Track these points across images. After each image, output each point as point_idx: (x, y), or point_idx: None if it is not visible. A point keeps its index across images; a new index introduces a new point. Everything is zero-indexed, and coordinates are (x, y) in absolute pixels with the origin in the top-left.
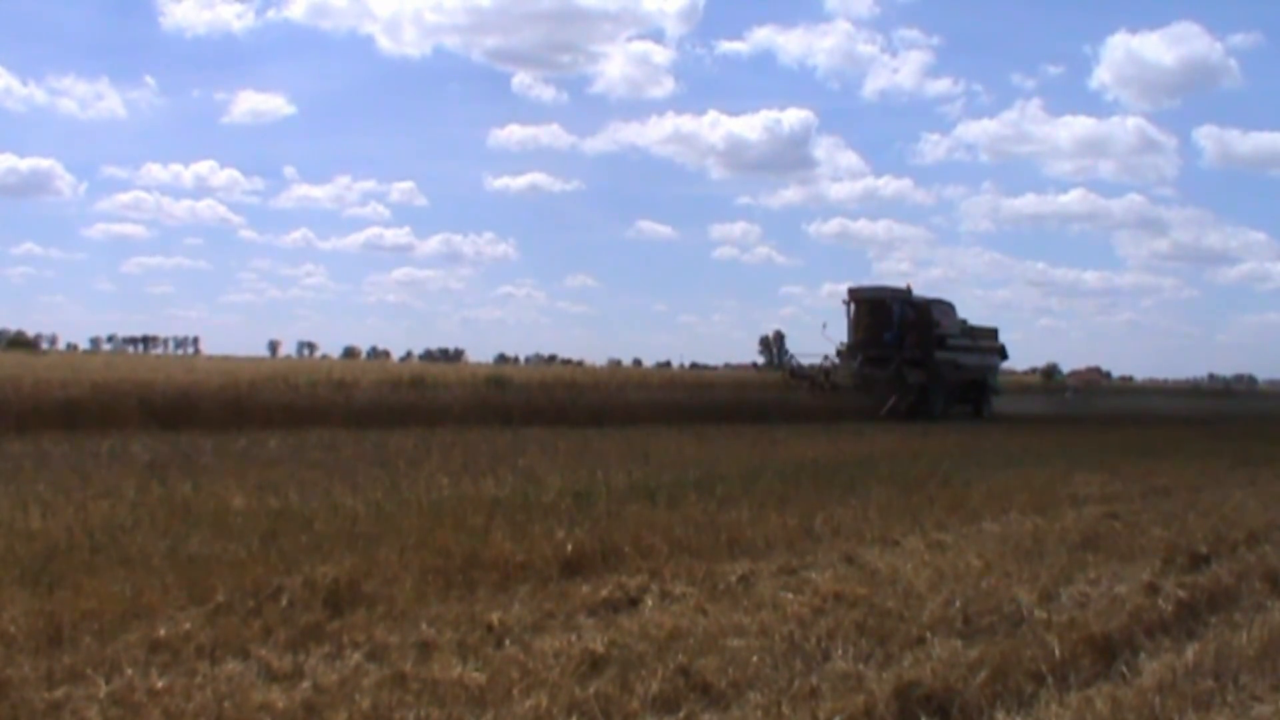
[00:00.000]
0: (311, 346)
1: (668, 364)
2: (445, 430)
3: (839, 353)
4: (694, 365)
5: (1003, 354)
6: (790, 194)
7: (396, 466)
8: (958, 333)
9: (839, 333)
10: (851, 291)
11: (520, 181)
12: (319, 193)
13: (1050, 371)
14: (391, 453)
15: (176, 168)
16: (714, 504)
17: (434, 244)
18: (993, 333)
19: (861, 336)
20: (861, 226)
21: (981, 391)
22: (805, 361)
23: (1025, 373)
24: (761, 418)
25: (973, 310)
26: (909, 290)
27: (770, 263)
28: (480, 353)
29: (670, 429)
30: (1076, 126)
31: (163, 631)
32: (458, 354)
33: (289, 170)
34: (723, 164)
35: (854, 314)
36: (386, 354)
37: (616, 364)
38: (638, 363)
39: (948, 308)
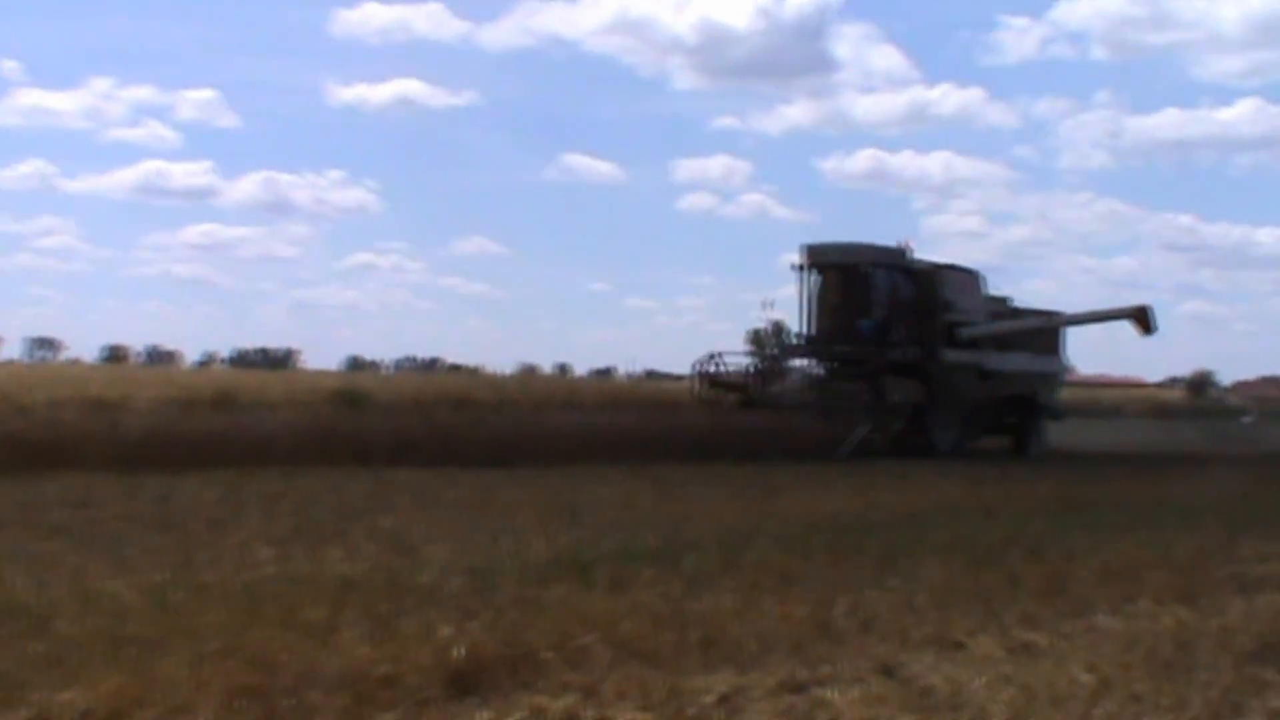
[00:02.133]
0: (52, 345)
1: (610, 372)
2: (268, 474)
3: (791, 348)
4: (650, 374)
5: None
6: (797, 113)
7: (190, 531)
8: (984, 319)
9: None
10: (810, 253)
11: (382, 92)
12: (62, 103)
13: (1201, 383)
14: (182, 510)
15: None
16: (680, 585)
17: (248, 187)
18: (1049, 321)
19: (825, 325)
20: (905, 162)
21: (1028, 415)
22: (769, 362)
23: (1162, 384)
24: (756, 453)
25: (1081, 291)
26: (905, 251)
27: (766, 217)
28: (323, 355)
29: (614, 471)
30: None
31: None
32: (287, 357)
33: (10, 66)
34: (693, 67)
35: (816, 289)
36: (174, 357)
37: (531, 372)
38: (563, 370)
39: (968, 279)
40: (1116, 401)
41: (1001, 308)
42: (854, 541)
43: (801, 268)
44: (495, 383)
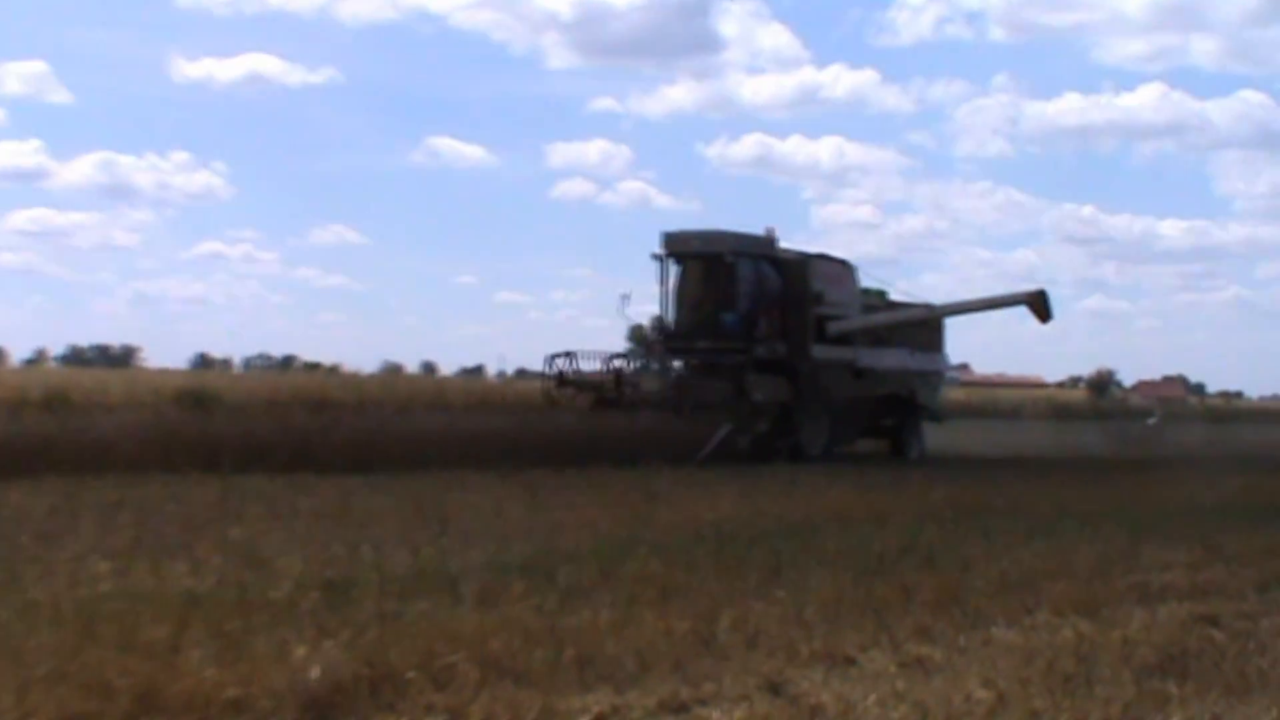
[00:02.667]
0: None
1: (479, 371)
2: (105, 482)
3: (650, 344)
4: (522, 373)
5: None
6: (679, 94)
7: (18, 545)
8: (858, 313)
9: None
10: (669, 241)
11: (232, 67)
12: None
13: (1103, 383)
14: (9, 522)
15: None
16: (554, 599)
17: (83, 169)
18: (931, 312)
19: (686, 319)
20: (794, 148)
21: (906, 416)
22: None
23: (1062, 384)
24: (638, 458)
25: (978, 285)
26: (771, 240)
27: (646, 206)
28: (167, 353)
29: (483, 477)
30: None
31: None
32: (127, 354)
33: None
34: (570, 45)
35: (676, 280)
36: None
37: (395, 371)
38: (430, 369)
39: (840, 270)
40: (1015, 402)
41: (878, 301)
42: (739, 551)
43: (661, 258)
44: (355, 382)
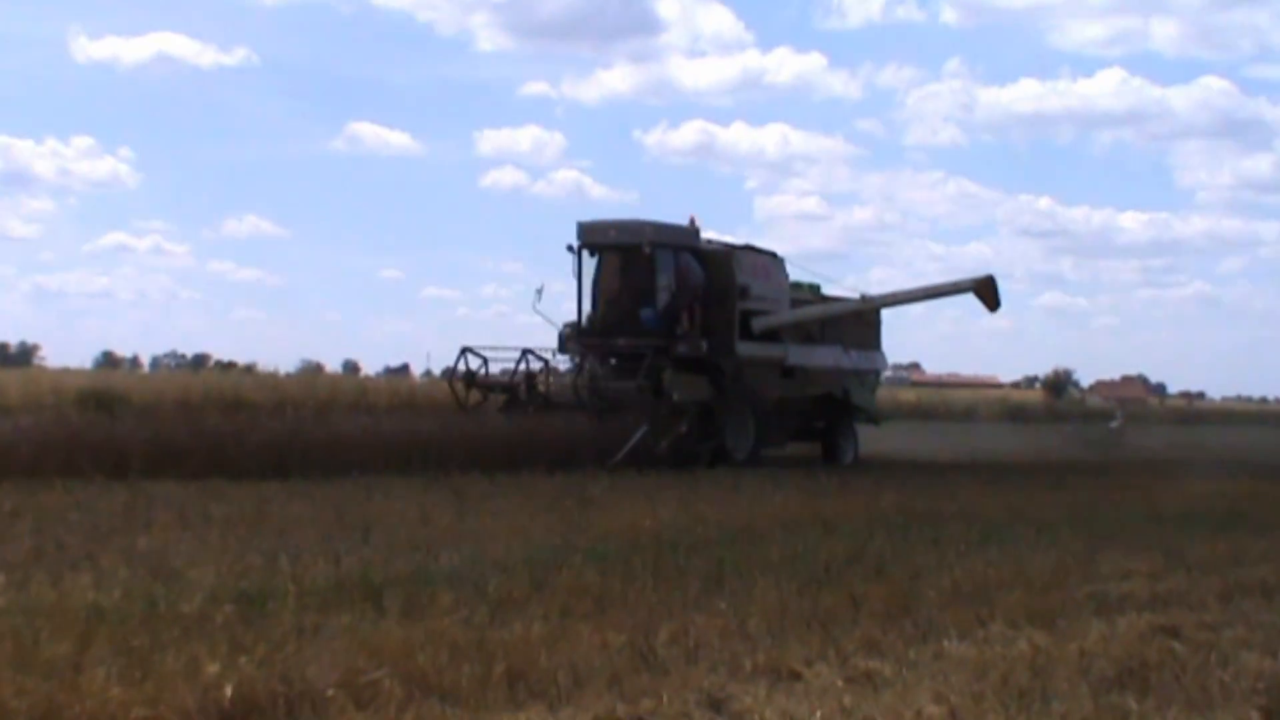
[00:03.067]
0: None
1: (404, 370)
2: (2, 490)
3: (566, 340)
4: (450, 373)
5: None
6: (616, 79)
7: None
8: (787, 307)
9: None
10: (585, 232)
11: (139, 47)
12: None
13: (1060, 383)
14: None
15: None
16: (484, 611)
17: None
18: (866, 304)
19: (603, 314)
20: (737, 135)
21: (839, 417)
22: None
23: (1017, 384)
24: (568, 461)
25: (929, 279)
26: (694, 230)
27: (581, 196)
28: (68, 351)
29: (408, 483)
30: None
31: None
32: (26, 353)
33: None
34: (500, 25)
35: (594, 273)
36: None
37: (315, 370)
38: (352, 369)
39: (768, 262)
40: (968, 403)
41: (810, 296)
42: (679, 560)
43: (576, 250)
44: (272, 382)
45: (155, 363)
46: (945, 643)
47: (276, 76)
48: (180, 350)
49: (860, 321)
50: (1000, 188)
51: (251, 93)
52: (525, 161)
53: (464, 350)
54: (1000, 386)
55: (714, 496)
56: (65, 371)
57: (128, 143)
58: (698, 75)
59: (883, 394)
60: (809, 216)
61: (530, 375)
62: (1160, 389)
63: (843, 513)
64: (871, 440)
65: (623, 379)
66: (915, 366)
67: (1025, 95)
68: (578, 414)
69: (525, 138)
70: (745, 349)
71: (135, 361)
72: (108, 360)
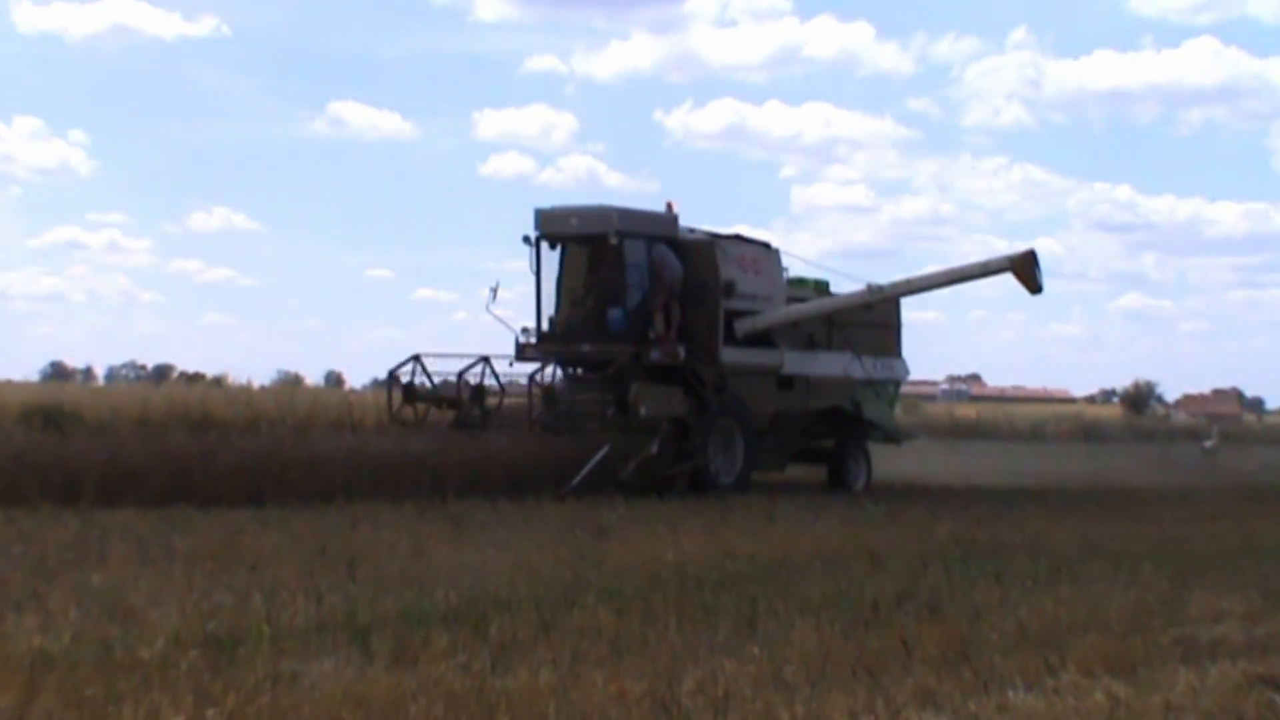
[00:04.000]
0: None
1: (394, 382)
2: None
3: (524, 347)
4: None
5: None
6: (634, 52)
7: None
8: (782, 306)
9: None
10: (545, 220)
11: (92, 16)
12: None
13: (1141, 397)
14: None
15: None
16: (485, 656)
17: None
18: (885, 308)
19: (566, 315)
20: (771, 116)
21: (847, 435)
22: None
23: (1092, 399)
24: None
25: (990, 281)
26: (670, 218)
27: (595, 186)
28: (12, 362)
29: (399, 510)
30: None
31: None
32: None
33: None
34: None
35: (559, 268)
36: None
37: (293, 383)
38: (335, 380)
39: (760, 255)
40: (1035, 420)
41: (814, 295)
42: (705, 598)
43: (533, 241)
44: (245, 397)
45: (111, 374)
46: (1010, 693)
47: (249, 50)
48: (140, 360)
49: (875, 323)
50: (1073, 175)
51: (221, 68)
52: (531, 146)
53: (414, 359)
54: (1073, 401)
55: (745, 526)
56: (8, 385)
57: (80, 125)
58: (728, 48)
59: (937, 409)
60: (853, 208)
61: (478, 388)
62: (1257, 404)
63: (892, 544)
64: (922, 463)
65: (581, 392)
66: (975, 378)
67: (1101, 69)
68: (532, 433)
69: (531, 119)
70: (731, 355)
71: (88, 373)
72: (57, 372)
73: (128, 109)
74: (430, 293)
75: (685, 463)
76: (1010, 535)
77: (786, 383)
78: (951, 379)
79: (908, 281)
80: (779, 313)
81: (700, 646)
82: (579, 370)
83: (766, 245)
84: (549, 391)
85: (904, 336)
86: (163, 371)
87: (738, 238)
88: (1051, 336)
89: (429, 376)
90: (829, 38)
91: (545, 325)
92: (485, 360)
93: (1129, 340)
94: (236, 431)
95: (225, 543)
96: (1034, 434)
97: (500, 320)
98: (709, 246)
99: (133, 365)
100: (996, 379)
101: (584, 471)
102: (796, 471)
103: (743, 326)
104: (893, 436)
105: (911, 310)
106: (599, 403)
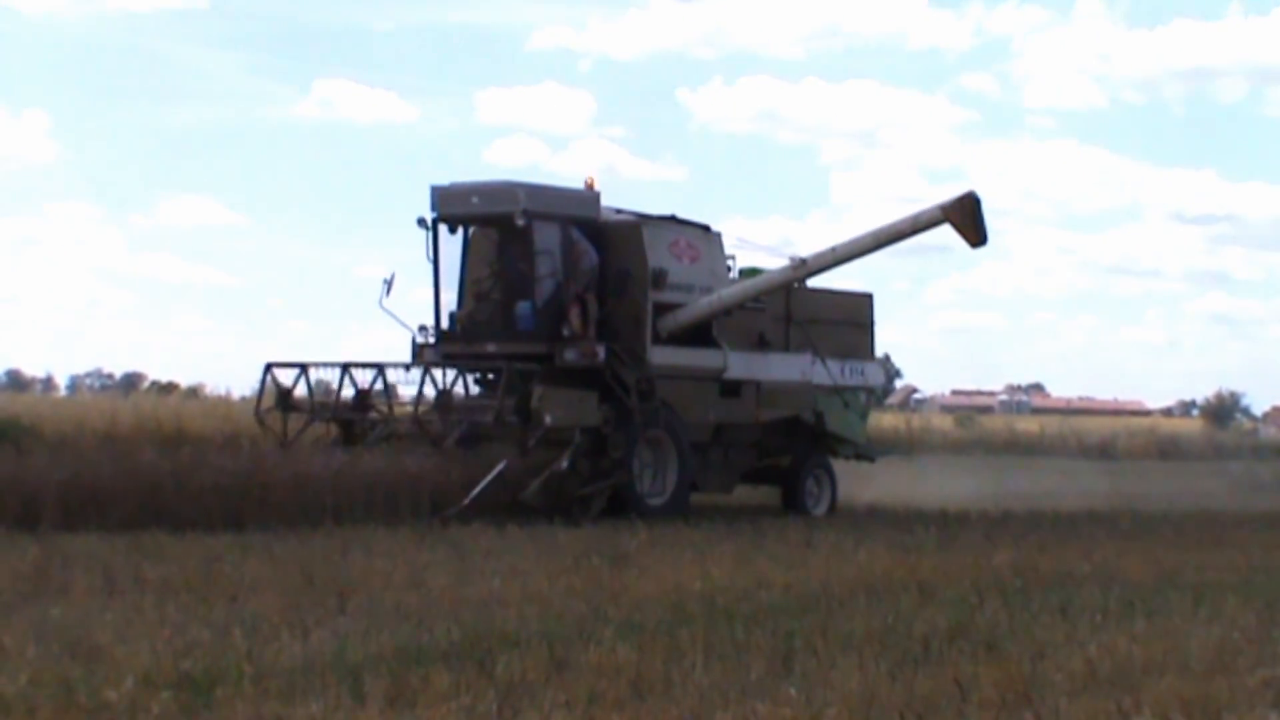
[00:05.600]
0: None
1: (389, 392)
2: None
3: (421, 347)
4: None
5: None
6: (656, 25)
7: None
8: (729, 299)
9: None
10: (443, 200)
11: None
12: None
13: (1225, 410)
14: None
15: None
16: (491, 698)
17: None
18: (856, 304)
19: (470, 310)
20: (810, 96)
21: (808, 449)
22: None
23: (1170, 412)
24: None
25: (1057, 278)
26: (589, 196)
27: (613, 173)
28: None
29: (395, 535)
30: None
31: None
32: None
33: None
34: None
35: (461, 256)
36: None
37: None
38: (324, 390)
39: (696, 239)
40: (1105, 435)
41: (762, 279)
42: (736, 634)
43: (429, 224)
44: (223, 409)
45: (73, 384)
46: None
47: (229, 22)
48: (105, 369)
49: (842, 320)
50: (1149, 160)
51: (197, 43)
52: (541, 129)
53: (268, 367)
54: (1147, 414)
55: (780, 553)
56: None
57: (39, 105)
58: (761, 19)
59: (995, 422)
60: (901, 198)
61: (364, 396)
62: None
63: (944, 574)
64: (973, 481)
65: (478, 399)
66: (1037, 389)
67: (1181, 42)
68: (423, 447)
69: (541, 99)
70: (661, 356)
71: (48, 383)
72: (12, 382)
73: (91, 87)
74: (429, 292)
75: (602, 481)
76: (1077, 564)
77: (732, 389)
78: (1011, 389)
79: (833, 250)
80: (700, 304)
81: (730, 687)
82: (490, 375)
83: (706, 228)
84: (446, 399)
85: (954, 340)
86: (131, 381)
87: (671, 219)
88: (1124, 342)
89: (309, 383)
90: (874, 7)
91: (445, 323)
92: (371, 366)
93: (1211, 346)
94: (214, 448)
95: (201, 571)
96: (1104, 451)
97: (394, 317)
98: (634, 229)
99: (98, 374)
100: (1062, 389)
101: (476, 489)
102: (744, 493)
103: (664, 323)
104: (865, 453)
105: (965, 312)
106: (495, 411)
